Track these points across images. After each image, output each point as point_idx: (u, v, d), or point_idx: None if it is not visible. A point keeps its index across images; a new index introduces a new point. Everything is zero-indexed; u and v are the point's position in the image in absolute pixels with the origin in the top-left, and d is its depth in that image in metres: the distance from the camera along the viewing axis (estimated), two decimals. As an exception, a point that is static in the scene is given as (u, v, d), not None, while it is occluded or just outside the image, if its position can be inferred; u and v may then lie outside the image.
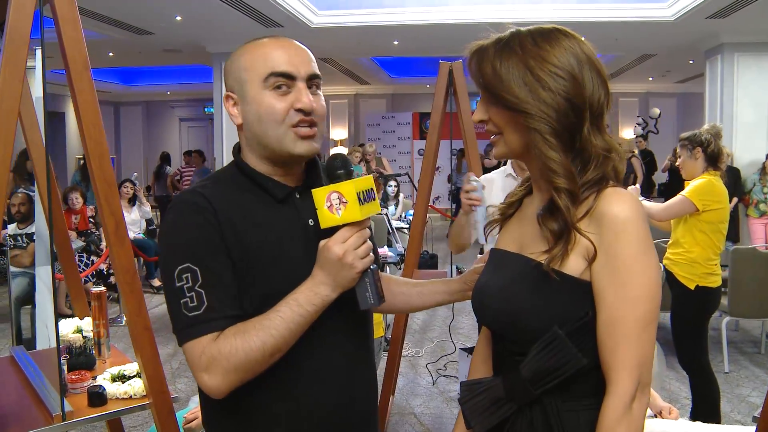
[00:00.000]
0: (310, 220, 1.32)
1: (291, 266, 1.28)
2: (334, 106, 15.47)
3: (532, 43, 1.17)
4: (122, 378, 2.12)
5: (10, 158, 1.66)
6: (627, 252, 1.11)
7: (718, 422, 3.47)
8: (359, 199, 1.21)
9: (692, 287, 3.60)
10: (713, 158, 3.61)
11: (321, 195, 1.22)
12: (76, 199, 6.99)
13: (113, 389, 2.04)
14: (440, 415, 4.16)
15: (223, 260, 1.23)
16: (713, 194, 3.55)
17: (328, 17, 8.52)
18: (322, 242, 1.24)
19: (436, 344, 5.55)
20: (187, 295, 1.20)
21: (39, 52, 2.14)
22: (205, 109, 15.95)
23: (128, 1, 7.15)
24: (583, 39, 1.21)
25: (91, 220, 6.97)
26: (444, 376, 4.83)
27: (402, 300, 1.60)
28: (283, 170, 1.34)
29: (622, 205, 1.13)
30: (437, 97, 3.54)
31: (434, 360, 5.11)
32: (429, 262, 6.54)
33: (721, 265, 3.76)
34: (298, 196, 1.34)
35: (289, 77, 1.28)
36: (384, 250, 6.06)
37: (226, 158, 9.49)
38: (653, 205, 3.82)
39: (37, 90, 2.36)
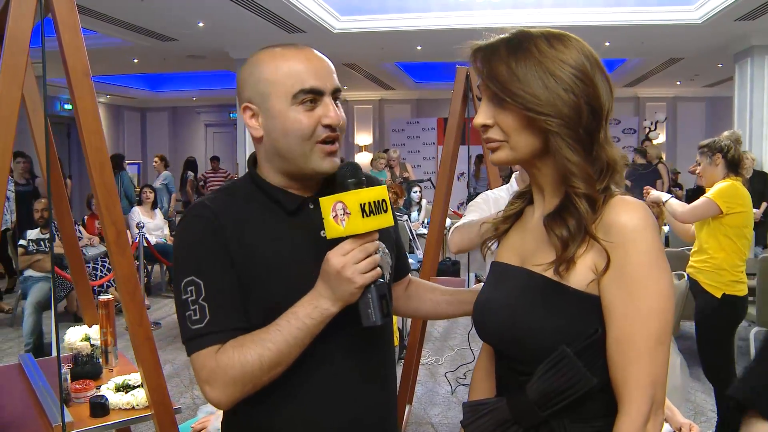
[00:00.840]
0: (322, 231, 1.27)
1: (300, 278, 1.24)
2: (358, 111, 15.47)
3: (547, 44, 1.12)
4: (126, 388, 2.10)
5: (8, 165, 1.65)
6: (637, 264, 1.05)
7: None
8: (362, 210, 1.17)
9: (718, 296, 3.51)
10: (734, 164, 3.54)
11: (328, 204, 1.19)
12: (99, 205, 7.06)
13: (116, 399, 2.02)
14: (458, 426, 4.08)
15: (227, 273, 1.22)
16: (737, 197, 3.48)
17: (350, 22, 8.51)
18: (327, 253, 1.20)
19: (457, 352, 5.47)
20: (191, 308, 1.20)
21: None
22: (231, 115, 16.05)
23: (151, 8, 7.20)
24: (586, 43, 1.16)
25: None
26: (463, 385, 4.75)
27: (430, 306, 1.59)
28: (300, 183, 1.32)
29: (631, 214, 1.07)
30: (454, 102, 3.50)
31: (454, 368, 5.03)
32: (451, 269, 6.47)
33: (748, 274, 3.66)
34: (311, 206, 1.30)
35: (318, 92, 1.25)
36: (403, 257, 6.02)
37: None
38: (678, 206, 3.72)
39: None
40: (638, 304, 1.04)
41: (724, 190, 3.49)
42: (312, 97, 1.24)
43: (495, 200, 2.89)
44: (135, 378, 2.15)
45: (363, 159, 14.35)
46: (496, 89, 1.13)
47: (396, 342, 3.31)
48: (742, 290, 3.53)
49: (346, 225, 1.17)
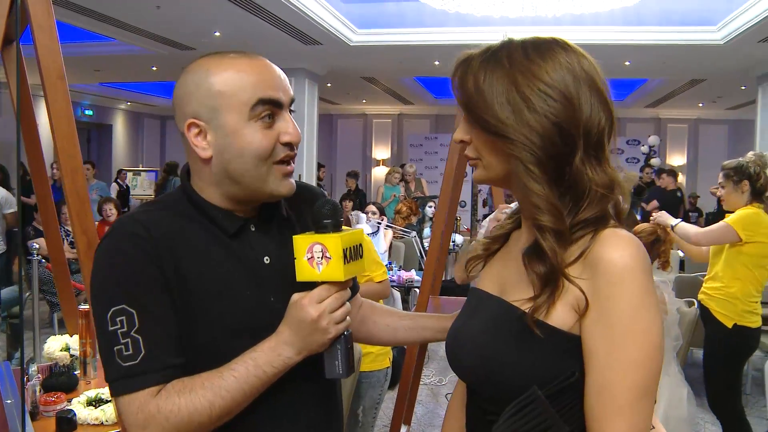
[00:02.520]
0: (266, 258, 1.18)
1: (238, 307, 1.13)
2: (377, 125, 15.46)
3: (522, 55, 1.01)
4: (98, 402, 2.03)
5: None
6: (624, 306, 0.93)
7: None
8: (345, 256, 1.07)
9: (729, 325, 3.39)
10: (760, 192, 3.40)
11: (303, 244, 1.08)
12: (110, 210, 7.02)
13: (84, 414, 1.95)
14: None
15: (163, 300, 1.08)
16: (759, 225, 3.34)
17: (367, 35, 8.50)
18: (295, 296, 1.10)
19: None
20: (122, 341, 1.04)
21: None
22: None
23: (168, 17, 7.23)
24: (585, 53, 1.04)
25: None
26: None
27: (385, 332, 1.45)
28: (245, 207, 1.18)
29: (620, 251, 0.94)
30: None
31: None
32: (457, 289, 6.35)
33: (763, 302, 3.53)
34: (253, 229, 1.19)
35: (277, 104, 1.12)
36: (411, 274, 5.94)
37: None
38: (691, 228, 3.59)
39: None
40: (623, 352, 0.93)
41: (745, 216, 3.36)
42: (270, 110, 1.11)
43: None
44: (107, 391, 2.09)
45: (379, 173, 14.32)
46: (462, 105, 1.04)
47: (387, 364, 3.21)
48: (755, 321, 3.40)
49: (324, 270, 1.08)
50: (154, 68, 10.62)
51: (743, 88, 10.69)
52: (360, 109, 15.71)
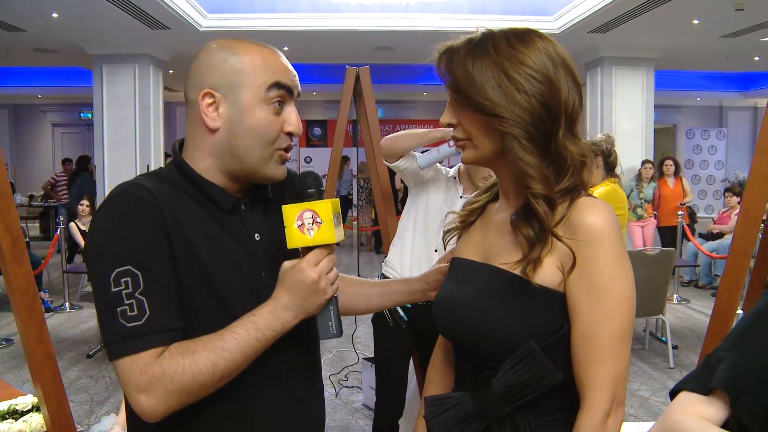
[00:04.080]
0: (256, 235, 1.23)
1: (236, 281, 1.17)
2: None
3: (506, 44, 1.12)
4: (14, 414, 1.88)
5: None
6: (604, 265, 1.07)
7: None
8: (335, 220, 1.14)
9: None
10: (612, 167, 3.75)
11: (292, 212, 1.13)
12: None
13: (4, 428, 1.81)
14: (346, 427, 4.07)
15: (167, 264, 1.09)
16: (617, 200, 3.70)
17: (217, 20, 8.24)
18: (288, 263, 1.14)
19: (335, 354, 5.43)
20: (126, 302, 1.05)
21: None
22: (81, 114, 15.06)
23: (-3, -6, 6.59)
24: (555, 41, 1.16)
25: None
26: (346, 386, 4.74)
27: (361, 301, 1.52)
28: (238, 185, 1.23)
29: (597, 216, 1.09)
30: (343, 104, 3.45)
31: (336, 371, 5.00)
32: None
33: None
34: (243, 208, 1.23)
35: (289, 91, 1.20)
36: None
37: (108, 167, 8.97)
38: None
39: None
40: (603, 304, 1.07)
41: (606, 193, 3.69)
42: (282, 95, 1.19)
43: (437, 170, 2.84)
44: (22, 402, 1.94)
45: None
46: (453, 90, 1.14)
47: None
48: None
49: (315, 235, 1.13)
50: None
51: (572, 73, 11.62)
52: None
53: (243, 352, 1.10)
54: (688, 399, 1.10)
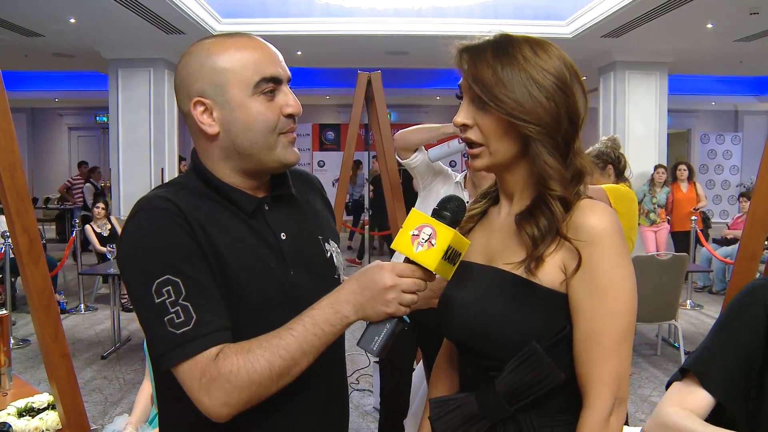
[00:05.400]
0: (282, 234, 1.22)
1: (266, 282, 1.17)
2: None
3: (531, 51, 1.14)
4: (30, 412, 1.92)
5: None
6: (606, 265, 1.09)
7: (625, 423, 3.58)
8: (446, 252, 1.09)
9: None
10: (622, 172, 3.75)
11: (416, 219, 1.10)
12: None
13: (21, 425, 1.84)
14: (357, 430, 4.08)
15: (203, 267, 1.10)
16: (626, 200, 3.68)
17: (231, 25, 8.31)
18: (377, 262, 1.12)
19: (347, 357, 5.43)
20: (172, 310, 1.05)
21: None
22: (97, 118, 15.20)
23: None
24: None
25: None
26: (358, 390, 4.76)
27: None
28: (256, 182, 1.23)
29: (599, 217, 1.11)
30: (355, 108, 3.49)
31: (347, 374, 5.01)
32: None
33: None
34: (266, 208, 1.23)
35: (277, 81, 1.18)
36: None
37: (123, 170, 9.06)
38: None
39: None
40: (605, 303, 1.08)
41: (618, 188, 3.66)
42: (272, 86, 1.17)
43: (446, 176, 2.88)
44: (39, 400, 1.98)
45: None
46: (480, 92, 1.13)
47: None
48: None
49: (420, 252, 1.09)
50: (-7, 56, 9.77)
51: (584, 78, 11.54)
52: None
53: (301, 350, 1.08)
54: (674, 389, 1.22)
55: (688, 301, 7.39)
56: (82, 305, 7.14)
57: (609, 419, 1.09)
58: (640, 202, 8.18)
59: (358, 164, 11.64)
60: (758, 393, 1.23)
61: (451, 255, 1.11)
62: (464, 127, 1.18)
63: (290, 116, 1.20)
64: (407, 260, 1.12)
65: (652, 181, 8.22)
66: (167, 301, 1.06)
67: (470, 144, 1.19)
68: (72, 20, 7.53)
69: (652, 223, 8.11)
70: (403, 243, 1.11)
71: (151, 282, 1.07)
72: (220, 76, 1.16)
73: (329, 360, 1.20)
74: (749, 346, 1.24)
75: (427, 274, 1.12)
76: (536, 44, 1.16)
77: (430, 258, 1.09)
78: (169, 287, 1.06)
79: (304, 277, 1.21)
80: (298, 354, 1.08)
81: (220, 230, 1.15)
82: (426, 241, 1.09)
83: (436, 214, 1.13)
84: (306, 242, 1.23)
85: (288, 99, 1.19)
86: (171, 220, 1.10)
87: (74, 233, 7.24)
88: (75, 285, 7.75)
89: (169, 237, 1.09)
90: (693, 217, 7.46)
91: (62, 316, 6.93)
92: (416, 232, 1.10)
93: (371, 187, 10.04)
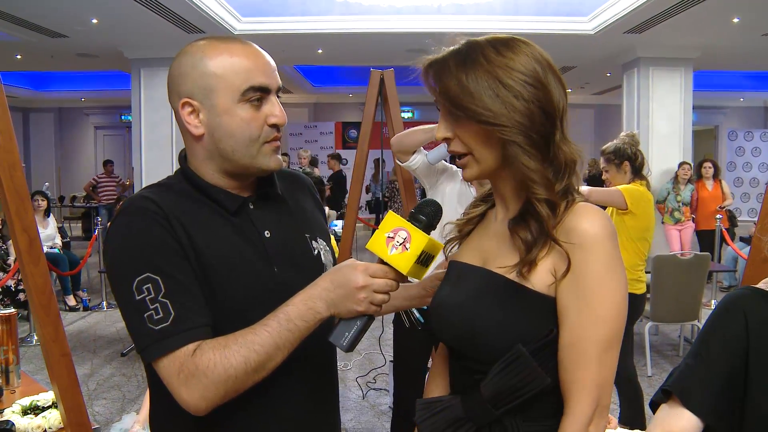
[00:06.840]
0: (266, 232, 1.24)
1: (249, 280, 1.19)
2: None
3: (495, 52, 1.11)
4: (35, 410, 1.93)
5: None
6: (595, 270, 1.06)
7: (643, 424, 3.53)
8: (419, 257, 1.11)
9: None
10: (639, 169, 3.69)
11: (393, 222, 1.13)
12: None
13: (24, 423, 1.86)
14: (372, 429, 4.08)
15: (183, 266, 1.13)
16: (642, 200, 3.63)
17: (251, 24, 8.36)
18: (351, 260, 1.15)
19: (365, 357, 5.45)
20: (151, 307, 1.08)
21: None
22: (122, 117, 15.40)
23: (42, 1, 6.77)
24: (535, 44, 1.16)
25: (-1, 233, 6.56)
26: (374, 389, 4.75)
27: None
28: (240, 183, 1.25)
29: (592, 221, 1.08)
30: (368, 106, 3.47)
31: (363, 373, 5.02)
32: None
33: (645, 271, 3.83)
34: (251, 207, 1.26)
35: (266, 90, 1.20)
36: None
37: (146, 168, 9.16)
38: (583, 187, 3.83)
39: None
40: (592, 310, 1.06)
41: (634, 189, 3.62)
42: (259, 95, 1.19)
43: (453, 173, 2.85)
44: (44, 398, 2.00)
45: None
46: (450, 105, 1.13)
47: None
48: (640, 288, 3.68)
49: (394, 255, 1.11)
50: (19, 57, 9.92)
51: (608, 74, 11.46)
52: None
53: (276, 345, 1.10)
54: (662, 414, 1.20)
55: (713, 301, 7.26)
56: (104, 302, 7.23)
57: (588, 427, 1.06)
58: (663, 200, 8.07)
59: (382, 162, 11.60)
60: (740, 407, 1.19)
61: (424, 259, 1.13)
62: (447, 140, 1.17)
63: (274, 126, 1.21)
64: (381, 261, 1.13)
65: (676, 179, 8.08)
66: (147, 298, 1.09)
67: (457, 155, 1.18)
68: (95, 21, 7.62)
69: (677, 221, 7.98)
70: (378, 244, 1.12)
71: (132, 280, 1.10)
72: (210, 80, 1.17)
73: (316, 352, 1.24)
74: (731, 362, 1.19)
75: (400, 276, 1.13)
76: (501, 44, 1.13)
77: (403, 262, 1.11)
78: (149, 285, 1.09)
79: (290, 275, 1.22)
80: (272, 349, 1.10)
81: (202, 229, 1.17)
82: (401, 244, 1.11)
83: (413, 218, 1.14)
84: (292, 240, 1.24)
85: (274, 109, 1.21)
86: (152, 220, 1.13)
87: (96, 231, 7.33)
88: (98, 282, 7.86)
89: (150, 236, 1.12)
90: (718, 216, 7.33)
91: (84, 314, 7.05)
92: (392, 235, 1.12)
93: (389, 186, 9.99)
